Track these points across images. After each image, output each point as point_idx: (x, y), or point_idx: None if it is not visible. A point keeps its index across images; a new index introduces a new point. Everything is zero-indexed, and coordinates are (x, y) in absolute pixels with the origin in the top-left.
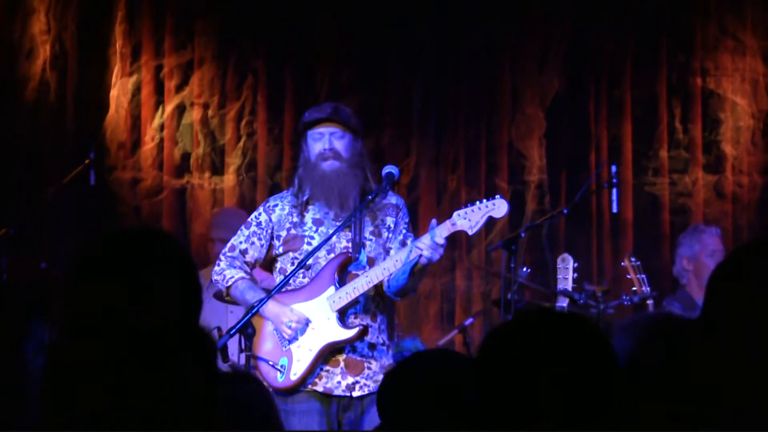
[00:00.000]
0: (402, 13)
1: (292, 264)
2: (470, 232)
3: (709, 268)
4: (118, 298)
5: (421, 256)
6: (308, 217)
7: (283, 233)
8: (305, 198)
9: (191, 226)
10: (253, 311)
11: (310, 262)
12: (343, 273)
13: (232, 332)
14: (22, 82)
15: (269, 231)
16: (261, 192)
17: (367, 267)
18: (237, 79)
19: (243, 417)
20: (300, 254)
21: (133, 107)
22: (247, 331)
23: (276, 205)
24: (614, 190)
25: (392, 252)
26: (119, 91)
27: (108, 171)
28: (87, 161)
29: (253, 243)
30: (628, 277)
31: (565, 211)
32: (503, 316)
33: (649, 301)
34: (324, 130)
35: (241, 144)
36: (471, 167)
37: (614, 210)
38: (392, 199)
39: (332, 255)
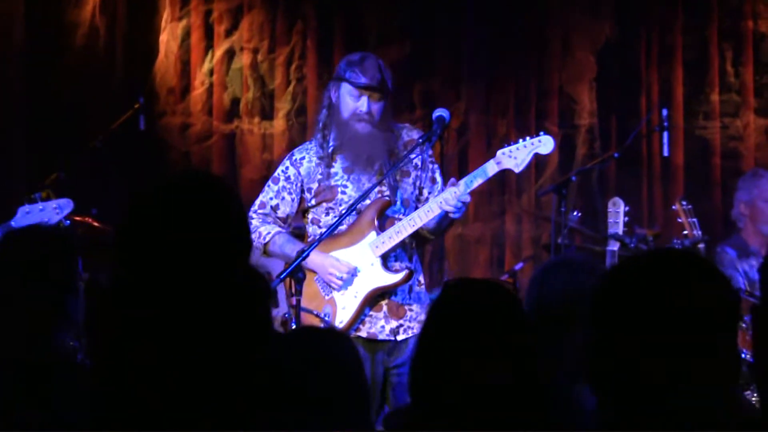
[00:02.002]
0: None
1: (327, 214)
2: (517, 170)
3: (765, 213)
4: (173, 242)
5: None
6: (338, 166)
7: (314, 185)
8: (331, 148)
9: (240, 171)
10: (305, 255)
11: (344, 209)
12: (382, 218)
13: (282, 276)
14: (71, 28)
15: (299, 184)
16: (310, 137)
17: (403, 209)
18: (286, 24)
19: (330, 376)
20: (335, 204)
21: (183, 52)
22: (298, 275)
23: (303, 158)
24: (665, 134)
25: (425, 192)
26: (168, 36)
27: (158, 116)
28: (136, 106)
29: (283, 198)
30: (679, 221)
31: (615, 155)
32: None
33: (701, 245)
34: (366, 92)
35: (290, 89)
36: (521, 112)
37: (665, 154)
38: (413, 134)
39: (368, 201)
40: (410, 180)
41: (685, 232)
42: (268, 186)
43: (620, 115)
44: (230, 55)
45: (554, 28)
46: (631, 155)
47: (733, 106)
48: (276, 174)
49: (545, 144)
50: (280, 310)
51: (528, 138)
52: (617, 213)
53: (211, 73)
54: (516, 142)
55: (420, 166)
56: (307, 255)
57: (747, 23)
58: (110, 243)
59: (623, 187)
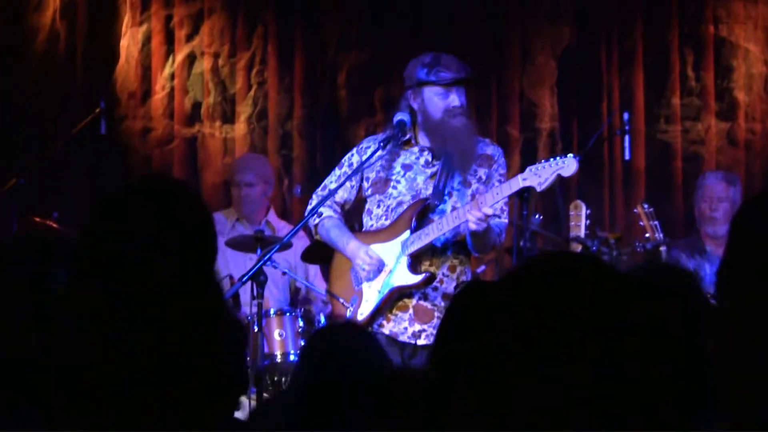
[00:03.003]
0: None
1: (378, 206)
2: (539, 189)
3: (704, 214)
4: (135, 246)
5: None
6: (398, 162)
7: (372, 175)
8: (400, 141)
9: (202, 174)
10: (258, 265)
11: (392, 204)
12: (423, 219)
13: (244, 279)
14: (31, 33)
15: (360, 172)
16: (272, 141)
17: None
18: (247, 29)
19: (333, 369)
20: (386, 197)
21: (143, 57)
22: (259, 278)
23: (368, 147)
24: (626, 138)
25: None
26: (129, 40)
27: (118, 121)
28: (97, 110)
29: (343, 183)
30: (641, 224)
31: (577, 159)
32: (515, 264)
33: (662, 248)
34: (453, 86)
35: (251, 93)
36: (482, 116)
37: (627, 157)
38: (488, 149)
39: (412, 200)
40: (469, 191)
41: (647, 234)
42: (333, 170)
43: (581, 119)
44: (191, 59)
45: (514, 32)
46: (593, 159)
47: (695, 110)
48: (342, 160)
49: (568, 166)
50: (243, 312)
51: (557, 158)
52: (579, 216)
53: (172, 77)
54: (547, 160)
55: (484, 180)
56: (263, 264)
57: (708, 27)
58: (71, 247)
59: (585, 191)
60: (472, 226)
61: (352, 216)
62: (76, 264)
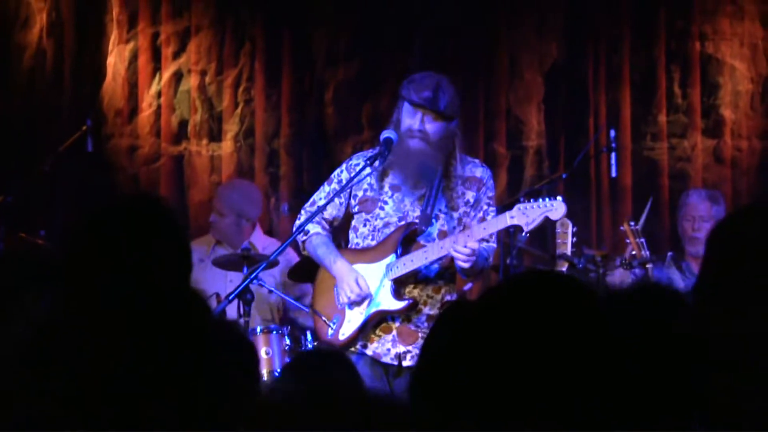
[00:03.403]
0: None
1: (364, 225)
2: (526, 228)
3: (687, 233)
4: (108, 268)
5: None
6: (387, 181)
7: (360, 193)
8: (387, 163)
9: (189, 193)
10: (248, 281)
11: (378, 224)
12: (408, 243)
13: (230, 298)
14: (18, 51)
15: (349, 189)
16: (259, 159)
17: (437, 240)
18: (234, 46)
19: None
20: (372, 217)
21: (130, 74)
22: (246, 297)
23: (358, 164)
24: (613, 155)
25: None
26: (116, 58)
27: (105, 139)
28: (84, 128)
29: (332, 200)
30: (627, 241)
31: (563, 176)
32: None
33: (649, 265)
34: (420, 109)
35: (238, 111)
36: (469, 133)
37: (613, 175)
38: (477, 171)
39: (403, 222)
40: (456, 214)
41: (634, 252)
42: (322, 186)
43: (568, 136)
44: (178, 77)
45: (502, 49)
46: (579, 176)
47: (681, 127)
48: (331, 176)
49: (557, 209)
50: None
51: (546, 199)
52: (565, 234)
53: (158, 95)
54: (536, 200)
55: (472, 203)
56: (250, 281)
57: (694, 44)
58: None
59: (571, 208)
60: (461, 264)
61: (339, 232)
62: (63, 284)
